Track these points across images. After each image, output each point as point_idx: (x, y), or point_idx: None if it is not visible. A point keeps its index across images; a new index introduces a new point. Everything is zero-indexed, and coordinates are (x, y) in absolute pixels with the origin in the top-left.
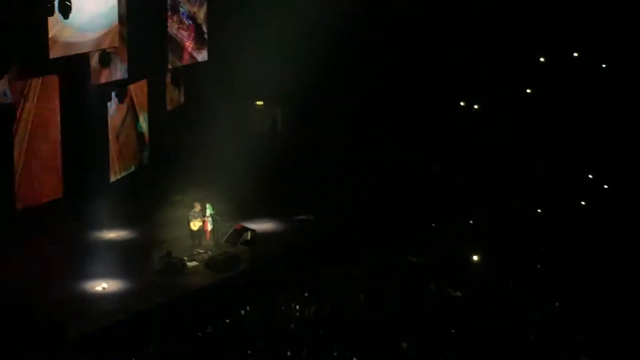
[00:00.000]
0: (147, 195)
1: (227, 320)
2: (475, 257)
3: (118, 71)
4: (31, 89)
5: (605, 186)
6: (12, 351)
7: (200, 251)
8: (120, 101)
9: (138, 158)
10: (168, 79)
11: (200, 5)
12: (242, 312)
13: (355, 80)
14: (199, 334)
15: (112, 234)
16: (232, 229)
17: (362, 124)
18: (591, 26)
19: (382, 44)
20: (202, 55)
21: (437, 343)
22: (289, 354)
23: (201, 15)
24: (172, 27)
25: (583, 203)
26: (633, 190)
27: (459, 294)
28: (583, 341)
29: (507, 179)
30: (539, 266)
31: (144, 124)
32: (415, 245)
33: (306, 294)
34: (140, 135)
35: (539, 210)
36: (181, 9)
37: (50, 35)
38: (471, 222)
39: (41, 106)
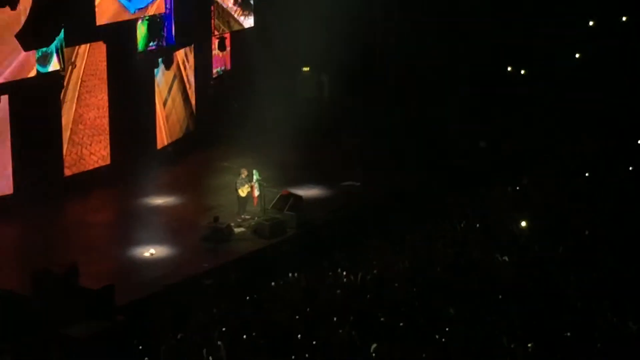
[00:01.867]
0: (194, 162)
1: (275, 285)
2: (523, 223)
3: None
4: (78, 55)
5: None
6: (63, 317)
7: (247, 217)
8: (167, 68)
9: (185, 124)
10: (215, 45)
11: None
12: (289, 277)
13: (401, 48)
14: (247, 299)
15: (159, 201)
16: (278, 195)
17: (408, 92)
18: None
19: (425, 10)
20: (248, 21)
21: (483, 309)
22: (335, 319)
23: None
24: None
25: (631, 168)
26: None
27: (506, 258)
28: (631, 308)
29: (556, 145)
30: (587, 232)
31: (190, 90)
32: (461, 212)
33: (352, 261)
34: (187, 102)
35: (586, 175)
36: None
37: (97, 2)
38: (518, 188)
39: (88, 73)
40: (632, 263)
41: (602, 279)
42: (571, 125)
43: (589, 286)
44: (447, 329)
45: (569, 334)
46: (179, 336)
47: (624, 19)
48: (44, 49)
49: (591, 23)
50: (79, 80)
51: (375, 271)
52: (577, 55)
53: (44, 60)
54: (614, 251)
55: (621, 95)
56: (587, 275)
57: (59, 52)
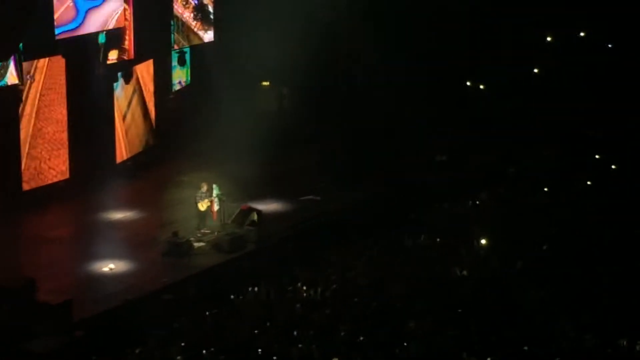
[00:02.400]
0: (154, 176)
1: (234, 300)
2: (483, 240)
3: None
4: (37, 69)
5: (613, 166)
6: (20, 333)
7: (207, 232)
8: (127, 82)
9: (145, 139)
10: (175, 60)
11: None
12: (249, 292)
13: (361, 60)
14: (207, 314)
15: (119, 215)
16: (238, 210)
17: (368, 104)
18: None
19: (388, 24)
20: (208, 36)
21: (443, 323)
22: (295, 334)
23: None
24: (178, 7)
25: (589, 183)
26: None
27: (465, 273)
28: (589, 321)
29: (514, 160)
30: (544, 247)
31: (150, 104)
32: (421, 227)
33: (312, 274)
34: (146, 115)
35: (545, 190)
36: None
37: (56, 16)
38: (477, 202)
39: (47, 87)
40: (590, 277)
41: (560, 293)
42: (530, 140)
43: (548, 300)
44: (406, 344)
45: (526, 348)
46: (137, 351)
47: (582, 34)
48: (1, 63)
49: (549, 38)
50: (38, 94)
51: (334, 286)
52: (535, 71)
53: (2, 74)
54: (572, 265)
55: (579, 110)
56: (546, 290)
57: (17, 65)
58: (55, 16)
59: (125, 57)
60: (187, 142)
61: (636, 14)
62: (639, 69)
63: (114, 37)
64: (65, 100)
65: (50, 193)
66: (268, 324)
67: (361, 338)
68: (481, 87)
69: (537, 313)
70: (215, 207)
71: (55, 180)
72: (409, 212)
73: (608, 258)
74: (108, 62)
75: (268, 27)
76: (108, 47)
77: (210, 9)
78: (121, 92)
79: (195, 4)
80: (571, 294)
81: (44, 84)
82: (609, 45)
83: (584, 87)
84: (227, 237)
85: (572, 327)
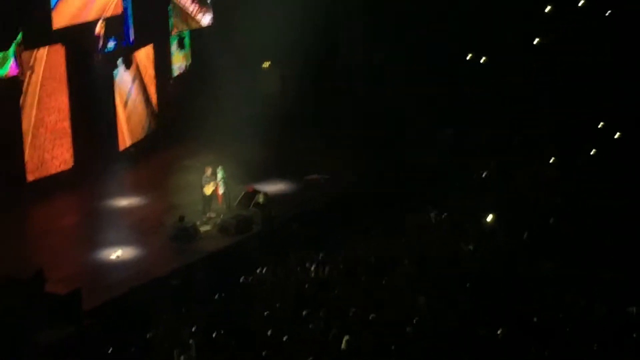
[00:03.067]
0: (158, 162)
1: (242, 282)
2: (489, 217)
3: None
4: (37, 59)
5: (617, 135)
6: (29, 323)
7: (213, 215)
8: (127, 68)
9: (147, 124)
10: (174, 44)
11: None
12: (257, 274)
13: (362, 38)
14: (215, 297)
15: (124, 202)
16: (243, 192)
17: (371, 82)
18: None
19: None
20: (206, 19)
21: (452, 298)
22: (304, 314)
23: None
24: None
25: (594, 152)
26: None
27: (471, 247)
28: (597, 291)
29: (518, 132)
30: (551, 220)
31: (151, 90)
32: (427, 203)
33: (320, 254)
34: (148, 102)
35: (550, 161)
36: None
37: (53, 5)
38: (483, 175)
39: (47, 76)
40: (597, 247)
41: (568, 264)
42: (535, 111)
43: (556, 272)
44: (416, 319)
45: (536, 319)
46: (148, 336)
47: (580, 3)
48: (1, 54)
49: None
50: (38, 84)
51: (342, 265)
52: (535, 41)
53: (1, 65)
54: (579, 236)
55: (584, 78)
56: (553, 261)
57: (17, 56)
58: (53, 5)
59: (124, 44)
60: (189, 126)
61: None
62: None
63: (113, 24)
64: (66, 89)
65: (54, 183)
66: (278, 305)
67: (371, 316)
68: (483, 59)
69: (545, 284)
70: (221, 191)
71: (59, 169)
72: (414, 188)
73: (615, 227)
74: (107, 49)
75: (267, 8)
76: (107, 34)
77: None
78: (121, 78)
79: None
80: (579, 264)
81: (44, 74)
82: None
83: (586, 57)
84: (233, 220)
85: (581, 297)
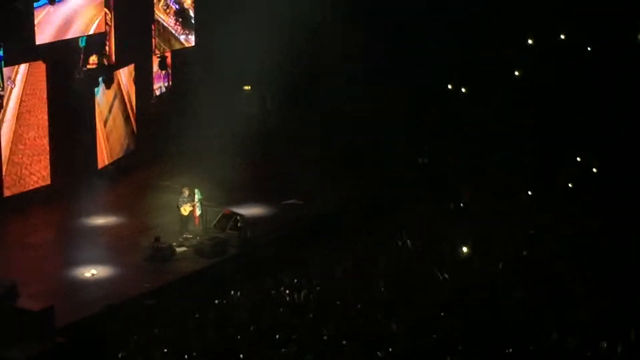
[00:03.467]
0: (136, 181)
1: (217, 304)
2: (464, 249)
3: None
4: (18, 74)
5: (594, 169)
6: (2, 339)
7: (189, 236)
8: (108, 87)
9: (126, 143)
10: (155, 64)
11: None
12: (231, 296)
13: (342, 64)
14: (189, 319)
15: (101, 220)
16: (220, 214)
17: (349, 108)
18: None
19: (368, 28)
20: (189, 41)
21: (426, 325)
22: (277, 337)
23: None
24: (159, 12)
25: (570, 185)
26: (620, 173)
27: (446, 276)
28: (570, 323)
29: (496, 162)
30: (525, 253)
31: (131, 109)
32: (402, 229)
33: (295, 279)
34: (127, 120)
35: (529, 193)
36: None
37: (36, 21)
38: (461, 204)
39: (28, 92)
40: (571, 278)
41: (542, 295)
42: (511, 143)
43: (529, 302)
44: (389, 346)
45: (510, 350)
46: (120, 356)
47: (562, 37)
48: None
49: (530, 41)
50: (19, 100)
51: (317, 289)
52: (516, 73)
53: None
54: (553, 267)
55: (558, 111)
56: (527, 291)
57: None
58: (36, 22)
59: (106, 62)
60: (168, 146)
61: (615, 17)
62: (619, 72)
63: (95, 42)
64: (46, 106)
65: (31, 198)
66: (251, 328)
67: (344, 341)
68: (463, 90)
69: (519, 315)
70: (198, 212)
71: (36, 185)
72: (391, 215)
73: (591, 259)
74: (89, 67)
75: (249, 31)
76: (89, 52)
77: (192, 13)
78: (102, 97)
79: (176, 8)
80: (554, 296)
81: (24, 90)
82: (589, 48)
83: (564, 90)
84: (210, 242)
85: (554, 329)
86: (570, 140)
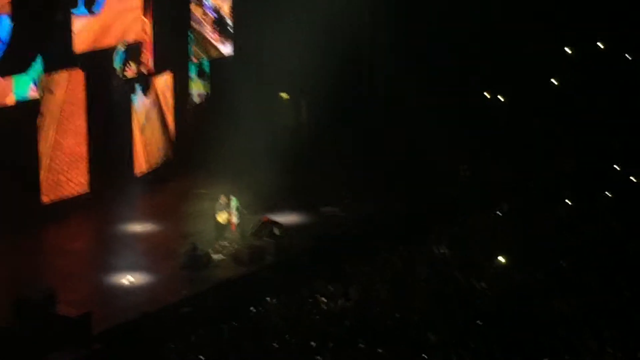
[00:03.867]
0: (173, 189)
1: (253, 313)
2: (501, 259)
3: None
4: (56, 82)
5: (633, 178)
6: (39, 346)
7: (226, 244)
8: (145, 94)
9: (164, 151)
10: (194, 73)
11: None
12: (268, 304)
13: (380, 72)
14: (225, 327)
15: (138, 228)
16: (258, 222)
17: (388, 117)
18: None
19: (405, 36)
20: (226, 48)
21: (463, 336)
22: (313, 345)
23: (225, 7)
24: (196, 20)
25: (609, 194)
26: None
27: (484, 285)
28: (610, 336)
29: (535, 172)
30: (564, 262)
31: (169, 117)
32: (443, 240)
33: (332, 287)
34: (165, 128)
35: (568, 202)
36: (205, 2)
37: (74, 29)
38: (499, 213)
39: (67, 100)
40: (612, 290)
41: (582, 307)
42: (551, 153)
43: (569, 314)
44: (427, 356)
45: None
46: None
47: (600, 45)
48: (21, 76)
49: (568, 50)
50: (57, 107)
51: (355, 298)
52: (554, 82)
53: (21, 87)
54: (594, 279)
55: (598, 120)
56: (567, 303)
57: (37, 79)
58: (75, 30)
59: (144, 70)
60: (206, 155)
61: None
62: None
63: (133, 50)
64: (84, 113)
65: (69, 205)
66: (287, 337)
67: (380, 350)
68: (500, 98)
69: (558, 326)
70: (234, 220)
71: (74, 192)
72: (430, 225)
73: (631, 271)
74: (127, 75)
75: (288, 38)
76: (127, 59)
77: (229, 21)
78: (140, 104)
79: (214, 17)
80: (593, 307)
81: (63, 97)
82: (628, 57)
83: (603, 99)
84: (247, 250)
85: (594, 341)
86: (611, 152)
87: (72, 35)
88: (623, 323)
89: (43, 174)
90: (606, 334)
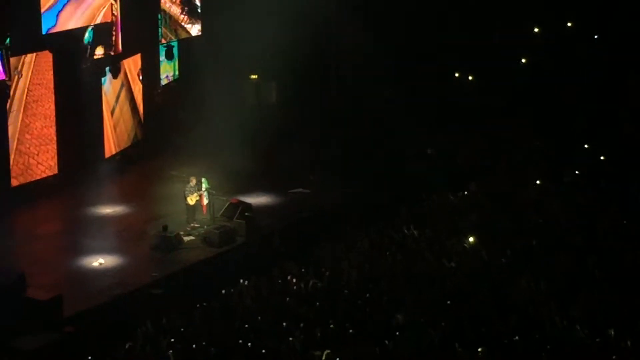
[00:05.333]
0: (143, 171)
1: (224, 294)
2: (470, 239)
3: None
4: (24, 64)
5: (602, 157)
6: (10, 329)
7: (196, 225)
8: (115, 76)
9: (133, 133)
10: (162, 54)
11: None
12: (239, 286)
13: (348, 54)
14: (197, 308)
15: (108, 210)
16: (228, 203)
17: (356, 97)
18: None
19: (375, 17)
20: (195, 29)
21: (434, 315)
22: (285, 327)
23: None
24: (165, 1)
25: (577, 173)
26: (627, 161)
27: (453, 265)
28: (578, 312)
29: (504, 151)
30: (534, 242)
31: (138, 99)
32: (411, 219)
33: (302, 268)
34: (134, 110)
35: (537, 182)
36: None
37: (42, 10)
38: (466, 193)
39: (35, 82)
40: (579, 268)
41: (549, 284)
42: (520, 132)
43: (537, 291)
44: (397, 335)
45: (517, 338)
46: (127, 346)
47: (569, 24)
48: None
49: (536, 30)
50: (25, 90)
51: (325, 278)
52: (523, 61)
53: None
54: (561, 257)
55: (567, 100)
56: (535, 281)
57: (4, 61)
58: (42, 11)
59: (112, 52)
60: (175, 136)
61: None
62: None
63: (101, 31)
64: (53, 96)
65: (39, 188)
66: (259, 317)
67: (350, 331)
68: (470, 78)
69: (527, 304)
70: (205, 201)
71: (43, 175)
72: (398, 204)
73: (598, 249)
74: (95, 57)
75: (256, 20)
76: (95, 41)
77: (198, 2)
78: (109, 86)
79: None
80: (561, 285)
81: (31, 80)
82: (595, 37)
83: (571, 79)
84: (217, 231)
85: (562, 318)
86: (578, 132)
87: (40, 16)
88: (591, 300)
89: (12, 157)
90: (574, 311)
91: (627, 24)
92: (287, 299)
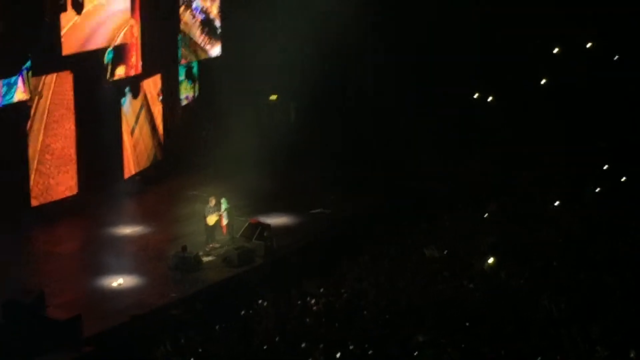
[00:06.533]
0: (162, 191)
1: (243, 314)
2: (490, 260)
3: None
4: (45, 85)
5: (622, 178)
6: (29, 349)
7: (216, 246)
8: (134, 97)
9: (152, 153)
10: (182, 74)
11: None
12: (258, 306)
13: (368, 75)
14: (215, 328)
15: (127, 230)
16: (247, 224)
17: (377, 117)
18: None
19: (394, 38)
20: (215, 50)
21: (454, 335)
22: (303, 346)
23: (214, 9)
24: (185, 22)
25: (597, 190)
26: None
27: (472, 285)
28: (599, 333)
29: (524, 171)
30: (555, 264)
31: (158, 119)
32: (430, 239)
33: (322, 288)
34: (154, 131)
35: (556, 203)
36: (194, 4)
37: (63, 32)
38: (487, 214)
39: (55, 102)
40: (600, 288)
41: (570, 304)
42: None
43: (557, 312)
44: (416, 355)
45: (538, 359)
46: None
47: (588, 45)
48: (10, 79)
49: (556, 50)
50: (46, 110)
51: (344, 298)
52: (542, 82)
53: (10, 90)
54: (581, 276)
55: (587, 121)
56: (555, 301)
57: (26, 81)
58: (62, 32)
59: (132, 73)
60: (195, 156)
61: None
62: None
63: (121, 52)
64: (73, 116)
65: (59, 208)
66: (277, 338)
67: (370, 352)
68: (489, 98)
69: (547, 325)
70: (224, 221)
71: (63, 195)
72: (418, 223)
73: (618, 268)
74: (115, 77)
75: (275, 41)
76: (115, 62)
77: (217, 23)
78: (129, 107)
79: (202, 18)
80: (581, 305)
81: (52, 100)
82: (615, 58)
83: (591, 98)
84: (236, 251)
85: (583, 339)
86: (598, 149)
87: (61, 37)
88: (611, 320)
89: (32, 178)
90: (595, 331)
91: None
92: (307, 319)
